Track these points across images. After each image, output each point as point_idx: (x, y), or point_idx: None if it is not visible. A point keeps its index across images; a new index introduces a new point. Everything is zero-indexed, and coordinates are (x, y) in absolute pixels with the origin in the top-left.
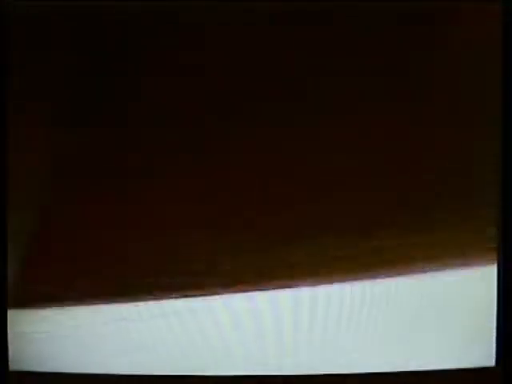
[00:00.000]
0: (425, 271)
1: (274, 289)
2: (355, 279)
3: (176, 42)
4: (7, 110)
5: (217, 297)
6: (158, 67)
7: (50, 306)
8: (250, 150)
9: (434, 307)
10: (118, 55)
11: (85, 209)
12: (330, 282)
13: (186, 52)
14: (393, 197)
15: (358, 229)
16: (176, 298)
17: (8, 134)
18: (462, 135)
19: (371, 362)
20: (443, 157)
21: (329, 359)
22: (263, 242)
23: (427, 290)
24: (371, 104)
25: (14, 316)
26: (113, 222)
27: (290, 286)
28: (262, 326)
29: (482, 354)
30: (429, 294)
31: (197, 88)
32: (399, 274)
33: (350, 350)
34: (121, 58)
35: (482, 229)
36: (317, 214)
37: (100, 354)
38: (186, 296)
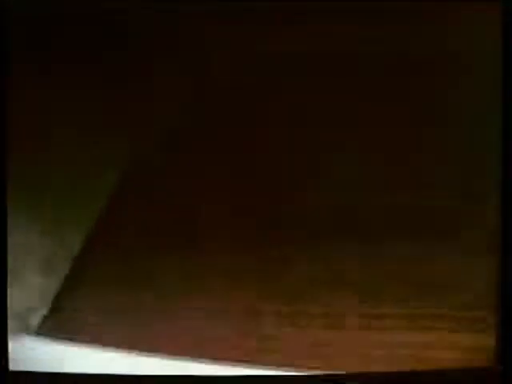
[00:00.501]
0: None
1: None
2: None
3: (176, 42)
4: (7, 110)
5: None
6: (157, 67)
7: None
8: None
9: None
10: (117, 54)
11: None
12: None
13: (186, 52)
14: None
15: None
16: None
17: (8, 134)
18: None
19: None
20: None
21: None
22: None
23: None
24: (370, 104)
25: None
26: None
27: None
28: None
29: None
30: None
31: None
32: None
33: None
34: (121, 58)
35: None
36: None
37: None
38: None
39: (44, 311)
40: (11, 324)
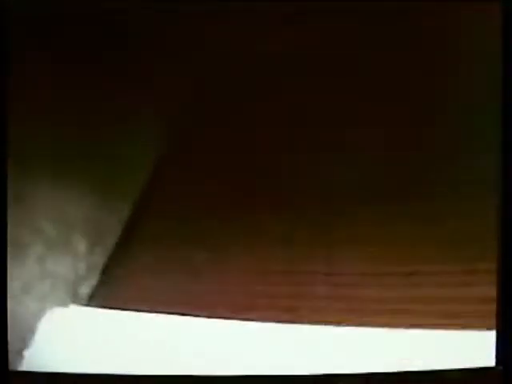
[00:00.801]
0: None
1: None
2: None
3: (176, 42)
4: (7, 110)
5: None
6: (157, 67)
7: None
8: None
9: None
10: (118, 54)
11: None
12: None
13: (186, 52)
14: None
15: None
16: None
17: (8, 133)
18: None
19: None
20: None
21: None
22: None
23: None
24: (370, 104)
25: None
26: None
27: None
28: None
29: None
30: None
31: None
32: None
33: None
34: (121, 58)
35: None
36: None
37: (100, 354)
38: None
39: (94, 280)
40: (61, 293)
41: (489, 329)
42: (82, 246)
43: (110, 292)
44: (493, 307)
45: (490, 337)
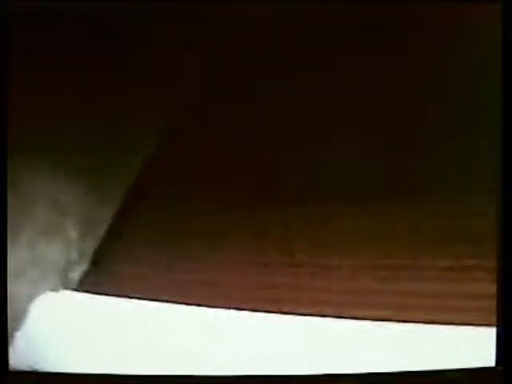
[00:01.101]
0: None
1: None
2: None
3: (175, 42)
4: (7, 110)
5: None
6: (157, 66)
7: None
8: None
9: None
10: (118, 54)
11: None
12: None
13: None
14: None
15: None
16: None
17: (8, 134)
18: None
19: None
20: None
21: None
22: None
23: None
24: (370, 105)
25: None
26: None
27: None
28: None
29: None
30: None
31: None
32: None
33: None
34: (121, 57)
35: None
36: None
37: (100, 354)
38: None
39: (84, 266)
40: (52, 278)
41: (487, 325)
42: (73, 232)
43: (100, 278)
44: (491, 303)
45: (490, 336)
